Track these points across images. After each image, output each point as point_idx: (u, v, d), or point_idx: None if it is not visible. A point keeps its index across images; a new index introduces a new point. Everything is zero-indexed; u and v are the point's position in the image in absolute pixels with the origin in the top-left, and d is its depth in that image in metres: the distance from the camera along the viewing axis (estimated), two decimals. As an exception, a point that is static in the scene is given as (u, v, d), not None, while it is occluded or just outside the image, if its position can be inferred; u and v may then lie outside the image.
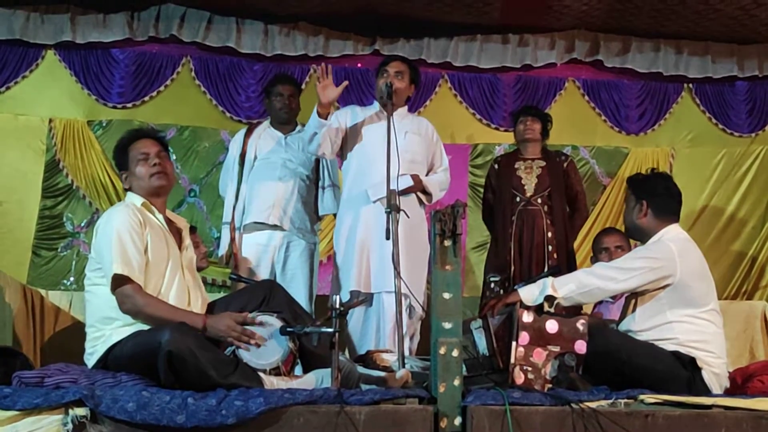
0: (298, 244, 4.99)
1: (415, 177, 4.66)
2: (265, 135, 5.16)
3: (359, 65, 7.11)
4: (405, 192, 4.57)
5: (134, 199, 3.53)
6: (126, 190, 3.63)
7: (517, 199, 5.27)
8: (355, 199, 4.70)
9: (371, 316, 4.59)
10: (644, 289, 3.55)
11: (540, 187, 5.25)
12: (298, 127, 5.21)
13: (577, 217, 5.42)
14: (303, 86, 6.87)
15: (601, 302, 4.85)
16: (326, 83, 4.53)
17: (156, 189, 3.56)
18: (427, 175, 4.84)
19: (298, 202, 5.01)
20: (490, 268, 5.36)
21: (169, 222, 3.60)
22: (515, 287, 3.76)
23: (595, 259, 4.97)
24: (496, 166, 5.53)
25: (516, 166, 5.35)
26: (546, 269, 4.94)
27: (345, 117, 4.85)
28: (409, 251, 4.45)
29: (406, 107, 4.93)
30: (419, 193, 4.77)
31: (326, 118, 4.61)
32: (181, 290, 3.42)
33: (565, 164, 5.39)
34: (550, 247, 5.14)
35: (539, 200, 5.24)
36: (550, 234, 5.16)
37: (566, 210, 5.33)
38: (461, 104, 7.21)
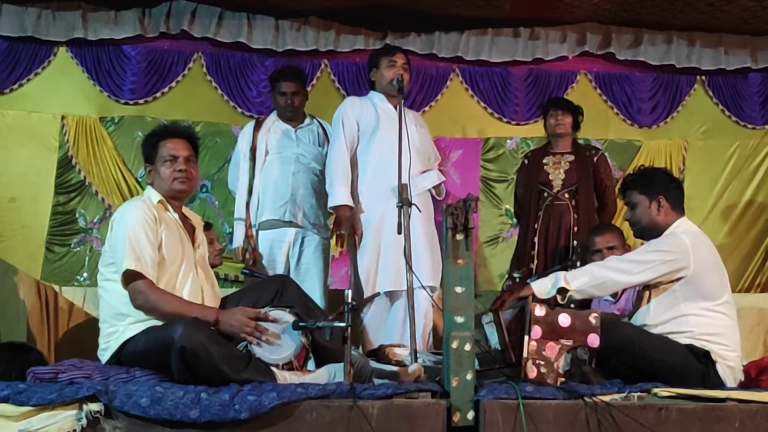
0: (312, 239, 5.00)
1: (443, 173, 4.74)
2: (275, 128, 5.14)
3: (370, 60, 7.10)
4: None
5: (152, 195, 3.53)
6: (149, 183, 3.62)
7: (545, 194, 5.25)
8: (379, 195, 4.65)
9: (397, 313, 4.57)
10: (658, 282, 3.54)
11: (567, 182, 5.22)
12: (307, 120, 5.21)
13: (606, 213, 5.35)
14: (314, 81, 6.89)
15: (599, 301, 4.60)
16: None
17: (176, 193, 3.56)
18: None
19: (311, 197, 5.02)
20: (514, 263, 5.36)
21: (184, 219, 3.60)
22: (527, 281, 3.76)
23: (589, 260, 4.62)
24: (525, 161, 5.52)
25: (544, 161, 5.33)
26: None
27: (356, 124, 4.82)
28: (431, 245, 4.47)
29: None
30: (433, 189, 4.80)
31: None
32: (194, 288, 3.42)
33: (595, 158, 5.35)
34: (575, 243, 5.10)
35: (566, 195, 5.20)
36: (576, 229, 5.13)
37: (595, 205, 5.28)
38: (472, 98, 7.18)
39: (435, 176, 4.80)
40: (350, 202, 4.66)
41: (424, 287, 4.25)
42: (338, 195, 4.66)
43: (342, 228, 4.63)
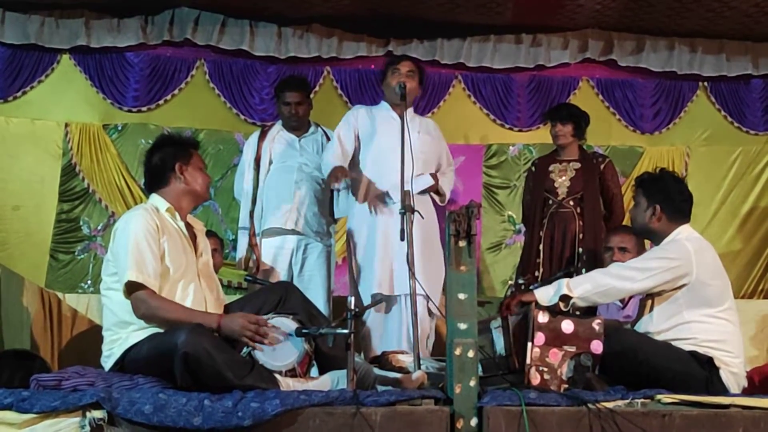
0: (315, 247, 5.02)
1: (434, 176, 4.68)
2: (279, 138, 5.17)
3: (372, 67, 7.11)
4: (424, 191, 4.62)
5: (158, 203, 3.52)
6: (148, 191, 3.64)
7: (550, 201, 5.24)
8: (374, 201, 4.68)
9: (394, 318, 4.57)
10: (661, 289, 3.53)
11: (573, 189, 5.20)
12: (312, 128, 5.23)
13: (613, 220, 5.32)
14: (317, 88, 6.89)
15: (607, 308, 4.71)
16: None
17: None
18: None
19: (314, 205, 5.04)
20: (519, 270, 5.36)
21: (188, 227, 3.60)
22: (531, 287, 3.76)
23: (601, 257, 4.87)
24: (533, 169, 5.51)
25: (550, 168, 5.31)
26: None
27: (353, 131, 4.83)
28: (425, 252, 4.45)
29: (412, 108, 4.93)
30: (433, 194, 4.78)
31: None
32: (197, 298, 3.42)
33: (601, 166, 5.33)
34: (580, 250, 5.09)
35: (571, 203, 5.19)
36: (581, 236, 5.12)
37: (601, 212, 5.27)
38: (475, 105, 7.19)
39: (423, 180, 4.70)
40: (342, 163, 4.67)
41: (419, 294, 4.21)
42: (330, 164, 4.67)
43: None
